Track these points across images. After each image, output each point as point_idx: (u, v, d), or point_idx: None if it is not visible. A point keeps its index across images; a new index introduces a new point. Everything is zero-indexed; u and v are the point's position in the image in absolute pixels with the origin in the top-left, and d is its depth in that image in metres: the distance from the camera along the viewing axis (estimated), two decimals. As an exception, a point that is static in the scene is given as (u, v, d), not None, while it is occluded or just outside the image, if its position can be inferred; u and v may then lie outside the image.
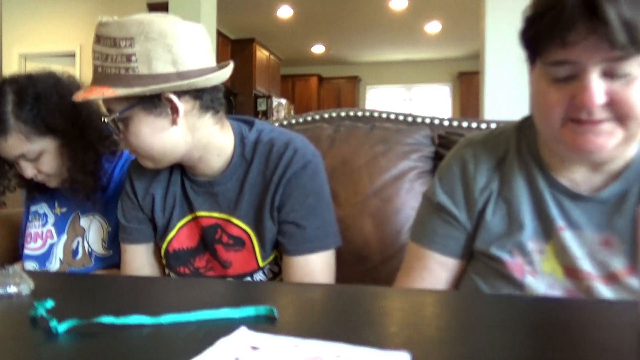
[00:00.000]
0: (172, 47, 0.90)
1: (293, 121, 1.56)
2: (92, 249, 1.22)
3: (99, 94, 0.91)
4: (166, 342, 0.41)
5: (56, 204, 1.27)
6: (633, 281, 0.71)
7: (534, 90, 0.73)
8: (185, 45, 0.91)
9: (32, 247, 1.26)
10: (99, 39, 0.91)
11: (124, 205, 1.09)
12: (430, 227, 0.86)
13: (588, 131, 0.67)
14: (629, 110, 0.64)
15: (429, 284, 0.85)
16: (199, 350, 0.33)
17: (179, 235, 1.05)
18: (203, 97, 0.94)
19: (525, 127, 0.83)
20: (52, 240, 1.25)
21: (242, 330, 0.36)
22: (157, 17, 0.92)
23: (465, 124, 1.39)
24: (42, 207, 1.29)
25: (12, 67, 5.54)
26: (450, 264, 0.85)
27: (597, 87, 0.64)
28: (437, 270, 0.85)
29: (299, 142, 1.01)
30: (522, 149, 0.81)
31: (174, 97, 0.91)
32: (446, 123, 1.44)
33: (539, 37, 0.67)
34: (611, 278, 0.73)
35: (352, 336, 0.39)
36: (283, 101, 8.32)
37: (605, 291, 0.72)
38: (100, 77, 0.91)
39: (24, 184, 1.24)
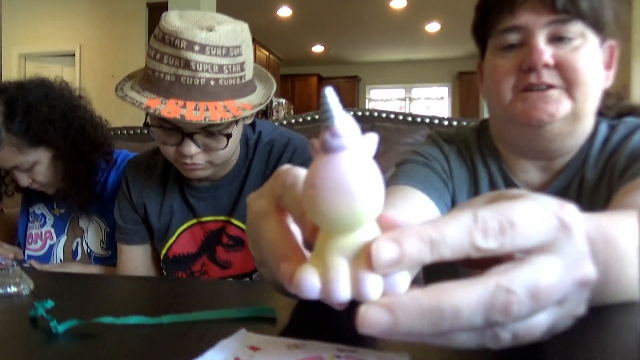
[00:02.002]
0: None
1: (293, 121, 1.56)
2: (91, 250, 1.22)
3: (243, 110, 0.84)
4: (166, 342, 0.41)
5: (54, 205, 1.27)
6: None
7: (487, 73, 0.76)
8: None
9: (33, 248, 1.26)
10: (203, 48, 0.81)
11: (121, 206, 1.09)
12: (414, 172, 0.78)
13: (538, 98, 0.68)
14: (575, 75, 0.67)
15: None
16: (199, 350, 0.33)
17: (180, 240, 1.05)
18: None
19: (482, 129, 0.83)
20: (51, 241, 1.25)
21: (242, 332, 0.36)
22: (232, 18, 0.91)
23: (465, 124, 1.39)
24: (40, 208, 1.29)
25: (12, 67, 5.55)
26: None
27: (544, 47, 0.68)
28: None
29: (298, 141, 1.01)
30: (482, 149, 0.81)
31: None
32: (446, 123, 1.45)
33: (490, 9, 0.73)
34: None
35: (351, 336, 0.39)
36: (283, 101, 8.31)
37: None
38: (217, 90, 0.84)
39: (21, 188, 1.23)
